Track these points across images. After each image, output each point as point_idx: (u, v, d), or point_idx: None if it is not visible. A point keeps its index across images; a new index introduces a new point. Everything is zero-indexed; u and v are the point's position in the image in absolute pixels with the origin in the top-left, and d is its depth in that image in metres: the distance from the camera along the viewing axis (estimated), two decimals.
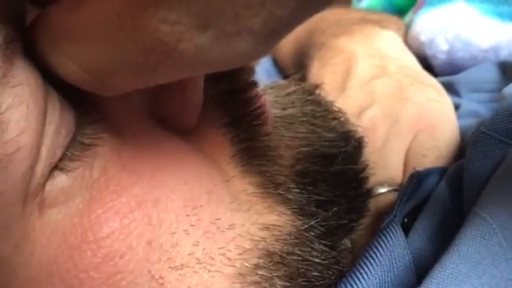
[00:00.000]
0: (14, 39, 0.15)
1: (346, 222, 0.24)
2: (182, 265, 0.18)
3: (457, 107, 0.34)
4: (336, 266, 0.23)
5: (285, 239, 0.21)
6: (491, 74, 0.37)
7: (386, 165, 0.30)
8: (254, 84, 0.23)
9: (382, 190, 0.29)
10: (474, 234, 0.19)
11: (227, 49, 0.13)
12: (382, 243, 0.22)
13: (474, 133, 0.24)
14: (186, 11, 0.12)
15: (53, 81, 0.16)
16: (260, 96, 0.23)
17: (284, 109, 0.25)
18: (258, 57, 0.14)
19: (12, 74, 0.15)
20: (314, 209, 0.22)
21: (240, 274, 0.19)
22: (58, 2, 0.15)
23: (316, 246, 0.22)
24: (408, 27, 0.47)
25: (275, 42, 0.13)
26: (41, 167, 0.16)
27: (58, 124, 0.16)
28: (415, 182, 0.25)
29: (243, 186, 0.21)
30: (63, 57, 0.15)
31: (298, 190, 0.22)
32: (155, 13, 0.12)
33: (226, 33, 0.12)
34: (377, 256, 0.22)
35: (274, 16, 0.12)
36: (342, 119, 0.27)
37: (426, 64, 0.42)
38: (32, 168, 0.16)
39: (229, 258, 0.19)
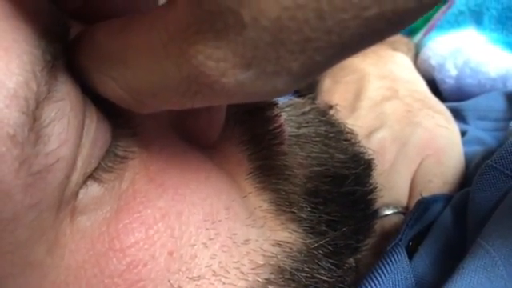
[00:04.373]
0: (60, 56, 0.16)
1: (352, 242, 0.25)
2: (199, 276, 0.19)
3: (463, 133, 0.35)
4: (341, 285, 0.23)
5: (295, 256, 0.22)
6: (498, 104, 0.38)
7: (393, 187, 0.31)
8: (274, 104, 0.24)
9: (388, 211, 0.29)
10: (478, 265, 0.21)
11: (266, 85, 0.14)
12: (386, 265, 0.23)
13: (481, 165, 0.25)
14: (232, 51, 0.13)
15: (90, 93, 0.17)
16: (279, 116, 0.24)
17: (298, 128, 0.26)
18: (291, 91, 0.15)
19: (56, 89, 0.16)
20: (323, 228, 0.23)
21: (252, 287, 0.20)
22: (102, 22, 0.16)
23: (324, 264, 0.23)
24: (418, 49, 0.48)
25: (309, 80, 0.14)
26: (76, 176, 0.17)
27: (94, 136, 0.17)
28: (422, 208, 0.26)
29: (258, 202, 0.22)
30: (104, 76, 0.16)
31: (309, 209, 0.23)
32: (203, 50, 0.13)
33: (266, 72, 0.13)
34: (381, 277, 0.23)
35: (312, 60, 0.13)
36: (353, 141, 0.28)
37: (434, 87, 0.43)
38: (68, 177, 0.16)
39: (242, 272, 0.20)
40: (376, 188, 0.28)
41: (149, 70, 0.15)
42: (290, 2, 0.12)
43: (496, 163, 0.24)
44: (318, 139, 0.26)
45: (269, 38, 0.12)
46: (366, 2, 0.12)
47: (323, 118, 0.28)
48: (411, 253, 0.25)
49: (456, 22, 0.46)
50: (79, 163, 0.17)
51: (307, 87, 0.40)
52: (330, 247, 0.23)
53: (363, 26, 0.12)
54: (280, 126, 0.23)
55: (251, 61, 0.13)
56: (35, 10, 0.15)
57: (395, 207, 0.30)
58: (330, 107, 0.30)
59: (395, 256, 0.24)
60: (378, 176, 0.29)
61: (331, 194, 0.25)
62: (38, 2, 0.16)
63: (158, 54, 0.14)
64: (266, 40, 0.12)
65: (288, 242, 0.22)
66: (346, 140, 0.28)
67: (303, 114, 0.27)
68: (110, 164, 0.18)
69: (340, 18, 0.12)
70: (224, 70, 0.13)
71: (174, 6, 0.13)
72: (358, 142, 0.29)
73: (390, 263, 0.23)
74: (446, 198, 0.28)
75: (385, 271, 0.23)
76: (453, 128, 0.34)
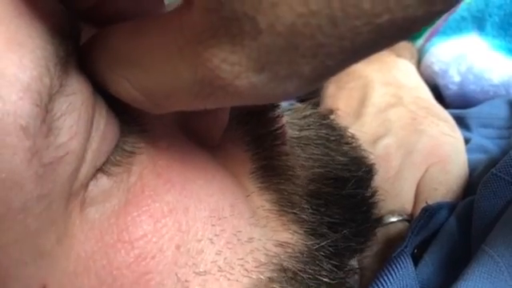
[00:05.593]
0: (72, 53, 0.17)
1: (353, 244, 0.26)
2: (205, 271, 0.19)
3: (466, 141, 0.36)
4: (342, 287, 0.24)
5: (297, 257, 0.22)
6: (501, 111, 0.38)
7: (398, 194, 0.31)
8: (276, 106, 0.25)
9: (393, 219, 0.30)
10: (482, 271, 0.21)
11: (277, 88, 0.15)
12: (392, 272, 0.24)
13: (485, 173, 0.26)
14: (246, 55, 0.14)
15: (100, 91, 0.18)
16: (281, 117, 0.25)
17: (300, 130, 0.27)
18: (300, 94, 0.15)
19: (67, 83, 0.17)
20: (325, 230, 0.24)
21: (255, 285, 0.20)
22: (115, 24, 0.17)
23: (325, 265, 0.23)
24: (421, 55, 0.49)
25: (318, 84, 0.15)
26: (85, 169, 0.18)
27: (103, 130, 0.18)
28: (427, 216, 0.26)
29: (261, 202, 0.23)
30: (118, 76, 0.17)
31: (311, 211, 0.24)
32: (218, 53, 0.14)
33: (278, 75, 0.14)
34: (387, 284, 0.23)
35: (323, 65, 0.14)
36: (354, 145, 0.29)
37: (437, 93, 0.44)
38: (77, 170, 0.17)
39: (246, 269, 0.20)
40: (377, 192, 0.28)
41: (163, 71, 0.15)
42: (304, 9, 0.12)
43: (500, 172, 0.25)
44: (319, 142, 0.27)
45: (283, 43, 0.13)
46: (378, 10, 0.12)
47: (324, 122, 0.29)
48: (416, 260, 0.26)
49: (458, 28, 0.47)
50: (89, 156, 0.17)
51: (311, 93, 0.41)
52: (330, 249, 0.24)
53: (374, 32, 0.13)
54: (281, 127, 0.24)
55: (264, 65, 0.14)
56: (49, 10, 0.16)
57: (400, 214, 0.31)
58: (331, 112, 0.30)
59: (400, 263, 0.24)
60: (384, 183, 0.30)
61: (333, 196, 0.26)
62: (51, 2, 0.16)
63: (173, 56, 0.15)
64: (279, 45, 0.13)
65: (290, 243, 0.22)
66: (346, 143, 0.29)
67: (304, 117, 0.28)
68: (118, 158, 0.19)
69: (352, 24, 0.13)
70: (238, 73, 0.14)
71: (190, 9, 0.14)
72: (359, 146, 0.29)
73: (396, 270, 0.24)
74: (451, 206, 0.29)
75: (390, 278, 0.23)
76: (457, 136, 0.35)
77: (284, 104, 0.29)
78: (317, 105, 0.37)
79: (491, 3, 0.45)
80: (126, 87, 0.16)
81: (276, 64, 0.14)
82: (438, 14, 0.13)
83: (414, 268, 0.24)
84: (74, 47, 0.17)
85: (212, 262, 0.19)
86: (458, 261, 0.25)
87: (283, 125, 0.24)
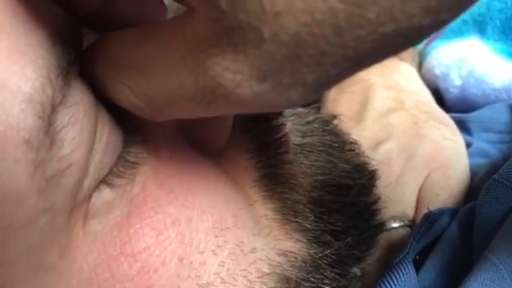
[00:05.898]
0: (74, 63, 0.17)
1: (356, 252, 0.26)
2: (208, 283, 0.19)
3: (468, 145, 0.36)
4: None
5: (300, 266, 0.22)
6: (503, 116, 0.38)
7: (400, 199, 0.31)
8: (280, 113, 0.25)
9: (395, 224, 0.30)
10: (484, 278, 0.21)
11: (280, 96, 0.14)
12: (394, 278, 0.24)
13: (487, 178, 0.26)
14: (249, 64, 0.14)
15: (102, 100, 0.18)
16: (284, 125, 0.25)
17: (303, 137, 0.27)
18: (303, 103, 0.15)
19: (69, 94, 0.16)
20: (328, 238, 0.24)
21: None
22: (116, 31, 0.17)
23: (328, 273, 0.23)
24: (422, 58, 0.49)
25: (322, 93, 0.15)
26: (88, 181, 0.17)
27: (106, 141, 0.18)
28: (429, 222, 0.26)
29: (264, 211, 0.23)
30: (120, 84, 0.16)
31: (314, 219, 0.24)
32: (220, 62, 0.14)
33: (281, 84, 0.14)
34: None
35: (327, 73, 0.14)
36: (357, 151, 0.29)
37: (438, 96, 0.44)
38: (81, 182, 0.17)
39: (249, 280, 0.20)
40: (380, 199, 0.28)
41: (165, 79, 0.15)
42: (308, 19, 0.12)
43: (502, 178, 0.25)
44: (322, 148, 0.27)
45: (286, 51, 0.13)
46: (383, 19, 0.12)
47: (327, 128, 0.29)
48: (418, 266, 0.26)
49: (459, 32, 0.47)
50: (92, 168, 0.17)
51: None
52: (333, 257, 0.24)
53: (379, 42, 0.13)
54: (285, 135, 0.24)
55: (267, 73, 0.14)
56: (50, 17, 0.16)
57: (401, 220, 0.31)
58: (334, 117, 0.30)
59: (402, 269, 0.24)
60: (385, 188, 0.30)
61: (335, 203, 0.25)
62: (52, 8, 0.16)
63: (176, 64, 0.15)
64: (283, 53, 0.13)
65: (293, 252, 0.22)
66: (350, 150, 0.29)
67: (307, 123, 0.28)
68: (121, 169, 0.19)
69: (357, 33, 0.12)
70: (240, 81, 0.14)
71: (192, 18, 0.14)
72: (362, 153, 0.29)
73: (398, 276, 0.24)
74: (452, 212, 0.29)
75: (392, 284, 0.24)
76: (459, 140, 0.35)
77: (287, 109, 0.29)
78: (318, 109, 0.37)
79: (492, 7, 0.45)
80: (127, 94, 0.16)
81: (279, 72, 0.14)
82: (443, 24, 0.13)
83: (415, 274, 0.24)
84: (75, 55, 0.17)
85: (215, 274, 0.19)
86: (460, 267, 0.25)
87: (287, 133, 0.24)
